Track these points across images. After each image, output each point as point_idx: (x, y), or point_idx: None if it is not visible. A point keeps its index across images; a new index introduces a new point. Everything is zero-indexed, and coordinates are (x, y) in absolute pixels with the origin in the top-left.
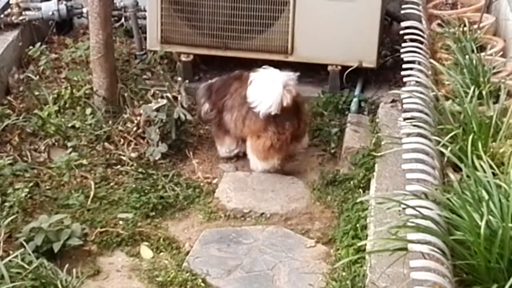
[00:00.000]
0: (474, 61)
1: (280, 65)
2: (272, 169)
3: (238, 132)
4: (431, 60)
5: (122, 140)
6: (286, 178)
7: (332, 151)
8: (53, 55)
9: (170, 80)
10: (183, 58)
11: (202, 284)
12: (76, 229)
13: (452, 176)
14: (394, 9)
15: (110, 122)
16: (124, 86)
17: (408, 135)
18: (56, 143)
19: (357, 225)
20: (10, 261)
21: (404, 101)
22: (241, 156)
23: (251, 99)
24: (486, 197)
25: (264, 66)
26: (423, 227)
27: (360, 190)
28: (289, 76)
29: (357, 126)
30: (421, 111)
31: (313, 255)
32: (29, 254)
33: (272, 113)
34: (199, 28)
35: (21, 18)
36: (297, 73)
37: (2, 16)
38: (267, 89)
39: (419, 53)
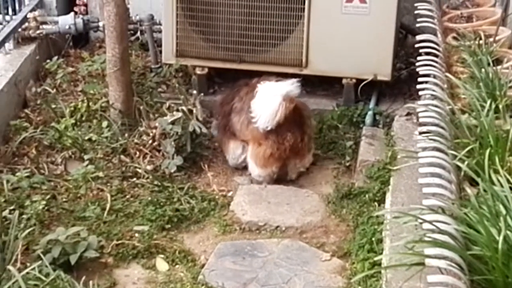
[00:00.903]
0: (490, 75)
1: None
2: (268, 176)
3: (242, 135)
4: (447, 74)
5: (138, 152)
6: (301, 191)
7: (347, 164)
8: (70, 69)
9: (185, 93)
10: (198, 71)
11: None
12: (92, 242)
13: (469, 190)
14: (409, 22)
15: (126, 135)
16: (140, 99)
17: (424, 149)
18: (73, 156)
19: (373, 239)
20: (27, 273)
21: (420, 114)
22: None
23: (253, 113)
24: (504, 211)
25: (275, 78)
26: (440, 242)
27: (375, 203)
28: (292, 86)
29: (372, 139)
30: (437, 125)
31: (329, 269)
32: (46, 266)
33: (268, 129)
34: (214, 42)
35: (38, 32)
36: (299, 82)
37: (19, 30)
38: (267, 104)
39: (434, 66)
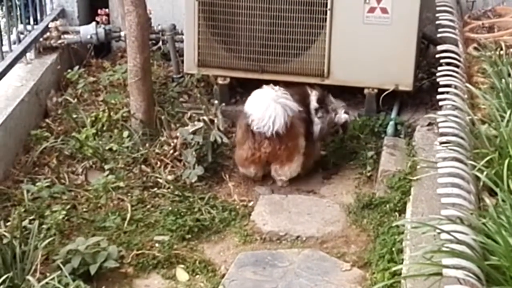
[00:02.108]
0: (510, 85)
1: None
2: (248, 174)
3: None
4: (467, 84)
5: (158, 162)
6: (322, 201)
7: (368, 174)
8: (91, 78)
9: (207, 103)
10: (219, 81)
11: None
12: (112, 252)
13: (488, 200)
14: (431, 32)
15: (147, 145)
16: (161, 109)
17: (444, 159)
18: (94, 166)
19: (393, 249)
20: (47, 283)
21: (439, 125)
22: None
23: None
24: None
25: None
26: (458, 252)
27: (396, 213)
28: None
29: (393, 149)
30: (456, 135)
31: (349, 279)
32: (66, 277)
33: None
34: (235, 52)
35: (59, 41)
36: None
37: (41, 39)
38: (259, 106)
39: (455, 76)
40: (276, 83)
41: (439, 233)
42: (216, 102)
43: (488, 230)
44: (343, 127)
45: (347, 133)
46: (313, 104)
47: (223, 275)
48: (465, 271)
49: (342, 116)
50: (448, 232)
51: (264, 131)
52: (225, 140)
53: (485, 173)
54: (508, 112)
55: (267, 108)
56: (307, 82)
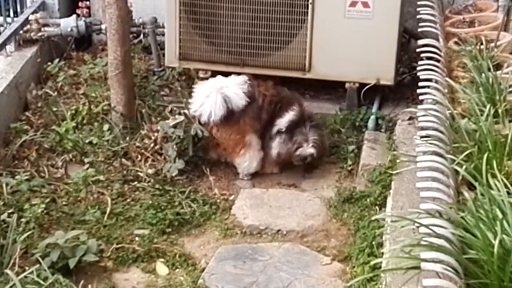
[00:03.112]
0: (490, 80)
1: (298, 82)
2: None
3: None
4: (447, 78)
5: (139, 156)
6: (302, 195)
7: (349, 168)
8: (72, 71)
9: (188, 96)
10: (201, 74)
11: None
12: (92, 245)
13: (467, 194)
14: (412, 27)
15: (128, 138)
16: (142, 102)
17: (424, 153)
18: (74, 159)
19: (373, 243)
20: (25, 277)
21: (419, 119)
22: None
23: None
24: (500, 215)
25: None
26: (437, 245)
27: (377, 207)
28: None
29: (374, 144)
30: (436, 129)
31: (329, 273)
32: (45, 270)
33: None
34: (217, 45)
35: (40, 34)
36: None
37: (21, 32)
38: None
39: (435, 71)
40: (257, 77)
41: (418, 227)
42: None
43: (467, 224)
44: (303, 160)
45: (310, 171)
46: (282, 121)
47: (203, 269)
48: (443, 265)
49: (307, 150)
50: (426, 226)
51: (205, 119)
52: (206, 134)
53: (464, 167)
54: (488, 107)
55: (207, 96)
56: (288, 76)
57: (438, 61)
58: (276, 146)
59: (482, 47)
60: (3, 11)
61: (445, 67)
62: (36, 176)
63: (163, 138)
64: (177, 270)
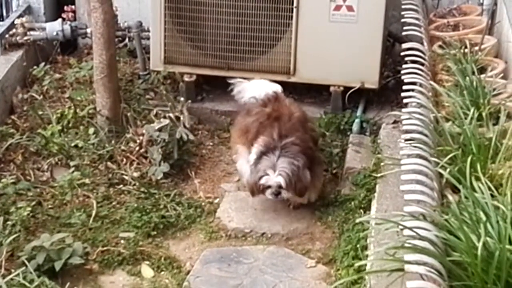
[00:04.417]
0: (474, 83)
1: (282, 86)
2: None
3: None
4: (432, 82)
5: (124, 159)
6: None
7: (334, 171)
8: (57, 75)
9: (173, 100)
10: (186, 78)
11: None
12: (77, 248)
13: (451, 197)
14: (397, 31)
15: (113, 141)
16: (127, 106)
17: (408, 156)
18: (59, 162)
19: (358, 246)
20: (11, 279)
21: (404, 122)
22: None
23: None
24: (484, 218)
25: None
26: (420, 248)
27: (361, 210)
28: None
29: (358, 147)
30: (420, 133)
31: (314, 275)
32: (31, 273)
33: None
34: (202, 49)
35: (25, 38)
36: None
37: (7, 36)
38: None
39: (420, 74)
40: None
41: (402, 229)
42: (182, 99)
43: (451, 226)
44: (264, 191)
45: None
46: (259, 145)
47: (188, 272)
48: (427, 267)
49: (273, 179)
50: (410, 229)
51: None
52: (191, 137)
53: (448, 170)
54: (472, 110)
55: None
56: (273, 79)
57: (422, 64)
58: (249, 170)
59: (466, 50)
60: None
61: (430, 71)
62: (22, 179)
63: (148, 141)
64: (162, 272)
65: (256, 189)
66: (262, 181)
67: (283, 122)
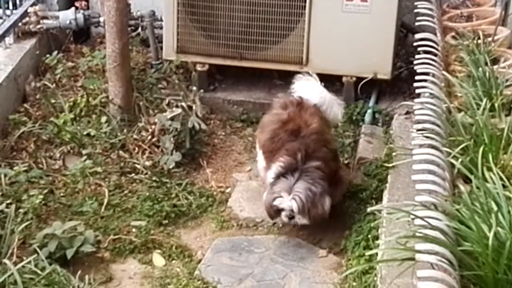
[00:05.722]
0: (487, 74)
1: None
2: None
3: None
4: (444, 72)
5: (136, 148)
6: None
7: (346, 162)
8: (70, 64)
9: (185, 89)
10: (198, 67)
11: None
12: (89, 236)
13: (462, 187)
14: (410, 21)
15: (125, 130)
16: (140, 95)
17: (420, 146)
18: (71, 151)
19: (369, 236)
20: (23, 266)
21: (416, 112)
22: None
23: None
24: (495, 208)
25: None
26: (431, 237)
27: (373, 201)
28: None
29: (370, 137)
30: (433, 123)
31: (325, 265)
32: (42, 260)
33: None
34: (214, 38)
35: (38, 26)
36: None
37: (20, 24)
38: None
39: (432, 65)
40: (254, 70)
41: (413, 219)
42: (194, 88)
43: (462, 216)
44: (279, 212)
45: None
46: (279, 166)
47: (199, 261)
48: (438, 256)
49: (285, 202)
50: (422, 218)
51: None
52: (203, 126)
53: (460, 160)
54: (484, 101)
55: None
56: (285, 69)
57: (435, 55)
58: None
59: (479, 41)
60: (2, 3)
61: (442, 61)
62: (34, 168)
63: (160, 130)
64: (173, 261)
65: (272, 211)
66: (276, 202)
67: (305, 136)
